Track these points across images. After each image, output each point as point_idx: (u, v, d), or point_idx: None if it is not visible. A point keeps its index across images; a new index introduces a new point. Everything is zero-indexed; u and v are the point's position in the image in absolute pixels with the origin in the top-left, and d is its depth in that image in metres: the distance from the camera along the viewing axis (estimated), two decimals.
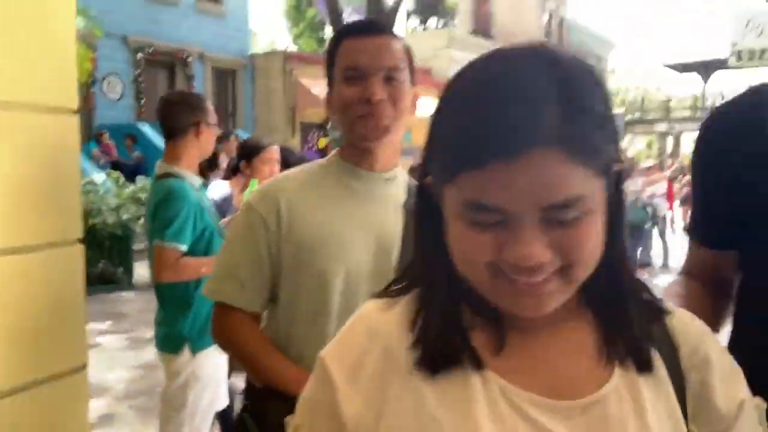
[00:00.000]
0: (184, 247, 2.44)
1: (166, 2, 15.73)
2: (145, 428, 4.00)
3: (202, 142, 2.61)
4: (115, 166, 11.54)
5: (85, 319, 2.09)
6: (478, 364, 0.64)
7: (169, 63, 16.07)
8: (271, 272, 1.32)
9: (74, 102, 2.20)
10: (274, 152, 3.45)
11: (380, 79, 1.28)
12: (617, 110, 36.06)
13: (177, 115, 2.58)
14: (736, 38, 20.18)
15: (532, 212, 0.56)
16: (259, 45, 31.25)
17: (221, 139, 7.14)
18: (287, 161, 3.49)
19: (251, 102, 17.65)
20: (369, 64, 1.28)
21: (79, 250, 2.07)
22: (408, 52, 1.36)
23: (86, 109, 14.16)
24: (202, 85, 16.54)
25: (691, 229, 1.23)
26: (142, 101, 15.01)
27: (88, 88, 13.91)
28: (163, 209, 2.45)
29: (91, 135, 13.34)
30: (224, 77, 17.44)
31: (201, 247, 2.51)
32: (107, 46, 14.13)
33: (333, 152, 1.43)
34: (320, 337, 1.26)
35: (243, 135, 14.14)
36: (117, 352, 5.72)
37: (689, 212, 1.28)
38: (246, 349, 1.33)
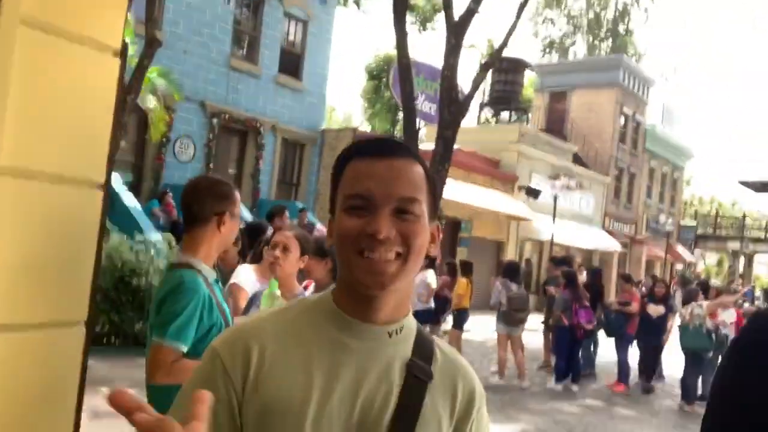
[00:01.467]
0: (184, 348, 2.20)
1: (247, 72, 16.27)
2: None
3: (224, 234, 2.40)
4: (174, 226, 11.63)
5: (76, 408, 1.89)
6: None
7: (242, 131, 16.46)
8: None
9: (101, 176, 2.05)
10: (284, 238, 3.10)
11: (389, 212, 1.04)
12: (689, 223, 35.00)
13: (202, 202, 2.39)
14: None
15: None
16: (335, 119, 32.05)
17: (272, 216, 7.01)
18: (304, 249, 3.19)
19: (316, 176, 17.83)
20: (377, 193, 1.04)
21: (82, 333, 1.92)
22: (429, 180, 1.11)
23: (156, 168, 14.54)
24: (271, 154, 16.84)
25: None
26: (212, 165, 15.33)
27: (160, 147, 14.30)
28: (170, 302, 2.23)
29: (156, 193, 13.61)
30: (293, 149, 17.74)
31: (204, 346, 2.25)
32: (185, 109, 14.61)
33: (326, 291, 1.15)
34: None
35: (298, 205, 14.22)
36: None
37: None
38: None
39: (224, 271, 5.23)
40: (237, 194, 2.45)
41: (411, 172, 1.07)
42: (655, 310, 9.32)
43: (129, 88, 10.00)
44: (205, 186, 2.42)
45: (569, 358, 9.06)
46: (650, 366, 9.72)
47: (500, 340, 9.16)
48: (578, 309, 8.61)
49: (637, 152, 30.85)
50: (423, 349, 1.12)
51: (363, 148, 1.09)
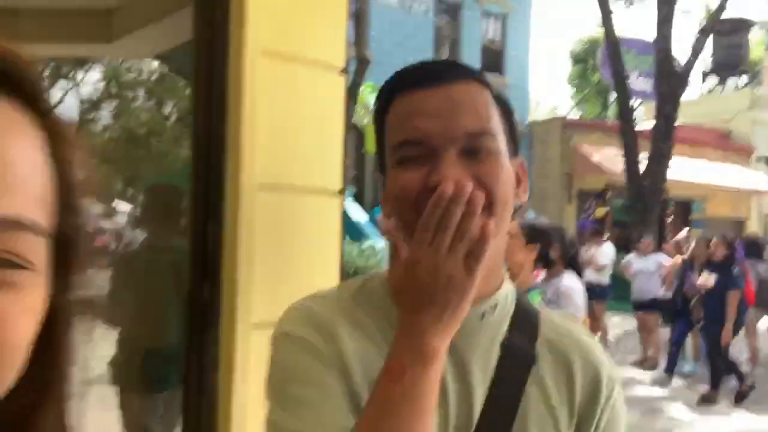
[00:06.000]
0: None
1: None
2: None
3: None
4: None
5: None
6: None
7: None
8: None
9: (338, 183, 2.26)
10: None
11: (456, 155, 0.79)
12: None
13: None
14: None
15: None
16: (540, 111, 31.41)
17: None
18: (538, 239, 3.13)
19: (528, 170, 17.56)
20: (434, 132, 0.79)
21: None
22: (502, 105, 0.86)
23: (375, 179, 15.38)
24: None
25: None
26: None
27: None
28: None
29: (378, 202, 14.39)
30: None
31: None
32: None
33: (383, 277, 0.88)
34: None
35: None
36: None
37: None
38: None
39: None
40: None
41: (475, 98, 0.82)
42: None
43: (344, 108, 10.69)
44: None
45: None
46: None
47: (750, 328, 8.28)
48: None
49: None
50: (524, 325, 0.88)
51: (405, 79, 0.84)
